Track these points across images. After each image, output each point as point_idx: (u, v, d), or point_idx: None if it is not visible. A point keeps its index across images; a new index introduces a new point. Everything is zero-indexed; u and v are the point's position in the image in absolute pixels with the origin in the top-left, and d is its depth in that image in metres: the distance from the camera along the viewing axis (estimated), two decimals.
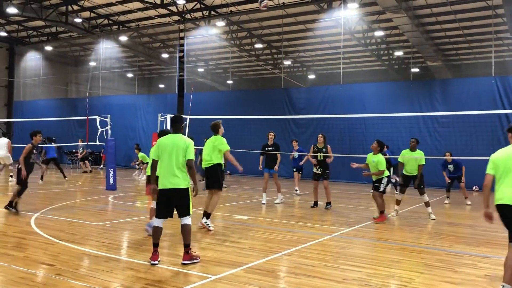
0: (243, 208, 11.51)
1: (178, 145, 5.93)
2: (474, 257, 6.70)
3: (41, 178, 16.58)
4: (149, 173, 7.20)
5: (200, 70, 33.37)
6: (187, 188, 5.96)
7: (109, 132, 15.98)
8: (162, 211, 5.99)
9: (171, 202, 5.96)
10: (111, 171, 14.70)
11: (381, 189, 9.69)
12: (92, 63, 30.07)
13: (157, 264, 5.79)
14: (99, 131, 16.59)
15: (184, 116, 15.85)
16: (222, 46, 27.28)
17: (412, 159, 10.40)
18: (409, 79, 23.41)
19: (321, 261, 6.20)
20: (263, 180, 12.43)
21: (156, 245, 5.88)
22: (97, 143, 16.87)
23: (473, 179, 17.93)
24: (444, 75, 27.42)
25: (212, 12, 23.28)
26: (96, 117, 16.85)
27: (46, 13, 24.54)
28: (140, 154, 17.73)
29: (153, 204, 7.64)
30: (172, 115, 6.64)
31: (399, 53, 26.58)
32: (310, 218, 10.19)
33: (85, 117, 17.64)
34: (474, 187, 17.63)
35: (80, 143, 22.08)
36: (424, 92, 19.65)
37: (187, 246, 5.88)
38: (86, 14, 25.43)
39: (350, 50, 26.03)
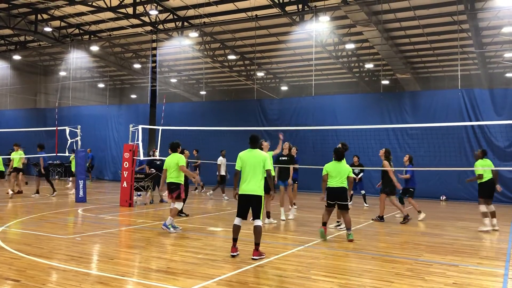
0: (216, 220, 11.46)
1: (258, 158, 7.04)
2: (443, 266, 6.84)
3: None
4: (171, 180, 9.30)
5: (173, 80, 33.21)
6: (261, 196, 6.97)
7: (79, 143, 15.68)
8: (240, 212, 7.08)
9: (248, 205, 7.02)
10: (81, 183, 14.39)
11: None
12: (62, 73, 29.53)
13: (235, 256, 6.91)
14: (69, 142, 16.27)
15: (156, 127, 15.65)
16: (195, 57, 27.28)
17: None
18: (379, 91, 23.89)
19: (293, 272, 6.21)
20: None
21: (235, 240, 7.01)
22: (67, 154, 16.53)
23: (441, 188, 18.47)
24: (413, 87, 28.10)
25: (185, 23, 23.26)
26: (66, 127, 16.52)
27: (15, 22, 24.04)
28: (19, 152, 15.90)
29: (176, 205, 9.43)
30: (250, 135, 7.30)
31: (369, 66, 27.14)
32: (282, 229, 10.22)
33: (54, 128, 17.27)
34: (441, 197, 18.05)
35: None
36: (394, 104, 20.13)
37: (256, 244, 6.88)
38: (56, 23, 25.01)
39: (322, 62, 26.44)
